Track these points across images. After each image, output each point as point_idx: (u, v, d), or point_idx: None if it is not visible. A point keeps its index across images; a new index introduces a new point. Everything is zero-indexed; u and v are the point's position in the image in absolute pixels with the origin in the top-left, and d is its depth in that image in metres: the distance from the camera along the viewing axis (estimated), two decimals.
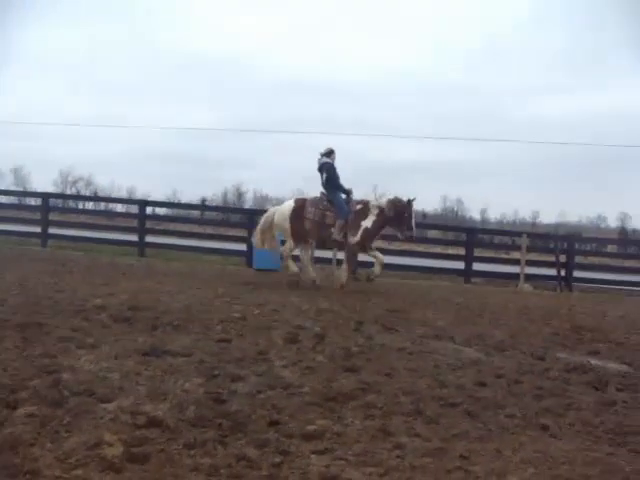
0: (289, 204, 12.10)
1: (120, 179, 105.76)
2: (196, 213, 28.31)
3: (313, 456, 3.54)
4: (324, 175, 11.97)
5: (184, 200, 61.57)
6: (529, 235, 19.35)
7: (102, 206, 45.28)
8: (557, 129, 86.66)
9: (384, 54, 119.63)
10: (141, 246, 17.69)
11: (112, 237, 19.19)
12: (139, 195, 61.19)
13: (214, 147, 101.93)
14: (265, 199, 74.97)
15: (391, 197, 12.16)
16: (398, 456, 3.64)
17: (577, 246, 19.19)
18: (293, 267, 12.17)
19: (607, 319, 10.50)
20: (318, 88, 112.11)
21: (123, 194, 68.82)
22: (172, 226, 23.74)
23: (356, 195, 12.17)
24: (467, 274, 17.09)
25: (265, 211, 13.09)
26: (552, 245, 18.45)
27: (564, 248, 17.54)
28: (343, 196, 12.01)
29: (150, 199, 28.78)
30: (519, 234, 19.17)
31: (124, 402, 4.14)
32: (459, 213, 77.34)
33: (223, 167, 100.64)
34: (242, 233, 17.73)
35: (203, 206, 41.23)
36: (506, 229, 54.84)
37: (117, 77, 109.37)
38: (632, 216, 73.28)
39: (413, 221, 12.01)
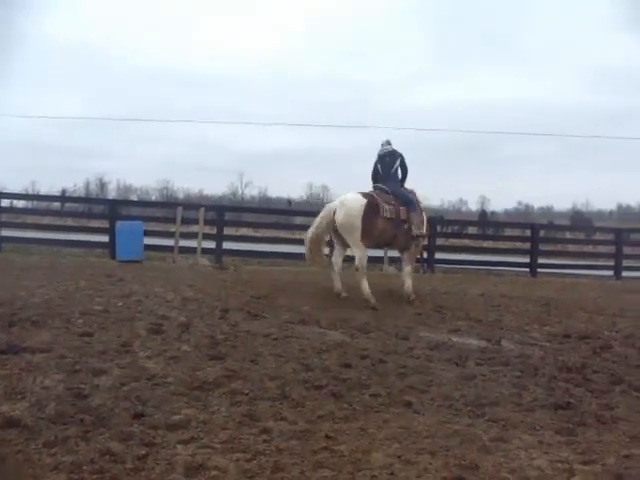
0: (357, 199, 9.67)
1: None
2: (57, 205, 27.16)
3: (179, 446, 3.55)
4: (396, 164, 10.61)
5: (43, 191, 58.93)
6: None
7: None
8: (423, 116, 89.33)
9: (255, 44, 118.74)
10: None
11: None
12: None
13: (75, 137, 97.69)
14: (129, 189, 73.22)
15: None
16: (265, 440, 3.70)
17: (439, 229, 19.84)
18: (339, 283, 9.95)
19: (467, 298, 10.97)
20: (187, 77, 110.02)
21: None
22: (31, 219, 22.69)
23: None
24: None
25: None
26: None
27: None
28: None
29: (5, 191, 27.33)
30: None
31: None
32: (325, 200, 78.33)
33: (84, 157, 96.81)
34: (104, 224, 17.21)
35: (63, 197, 39.65)
36: None
37: None
38: (490, 199, 76.77)
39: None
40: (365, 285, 9.50)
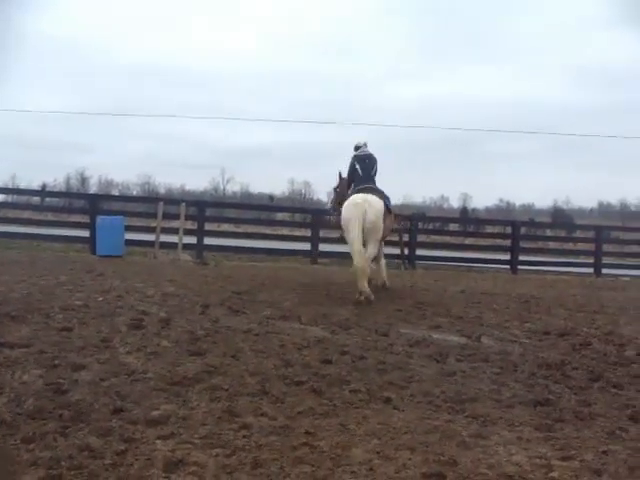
0: (379, 200, 10.18)
1: None
2: (37, 199, 26.95)
3: (158, 441, 3.52)
4: (375, 167, 11.02)
5: (23, 186, 58.38)
6: None
7: None
8: (405, 113, 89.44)
9: (238, 41, 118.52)
10: None
11: None
12: None
13: (56, 131, 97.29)
14: (110, 184, 72.81)
15: None
16: (244, 436, 3.68)
17: (421, 225, 19.89)
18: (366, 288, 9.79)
19: (447, 295, 11.03)
20: (170, 73, 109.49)
21: None
22: (10, 213, 22.51)
23: None
24: (313, 255, 17.34)
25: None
26: (396, 225, 18.94)
27: (407, 227, 18.09)
28: None
29: None
30: None
31: None
32: (306, 195, 78.22)
33: (65, 152, 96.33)
34: (85, 219, 17.12)
35: (44, 192, 39.35)
36: None
37: None
38: (472, 196, 77.12)
39: None
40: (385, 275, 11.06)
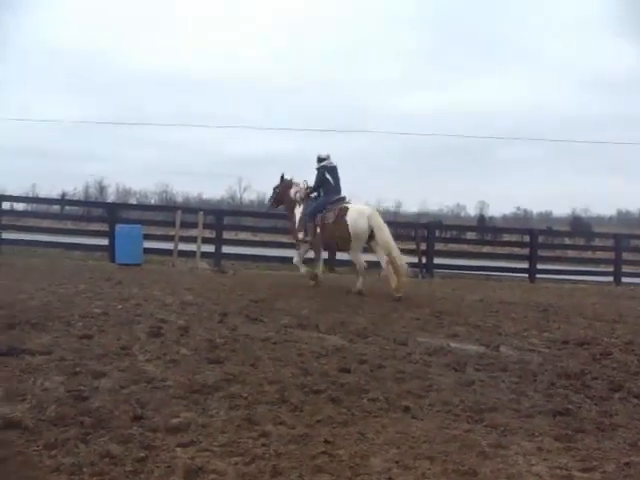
0: (364, 207, 11.79)
1: None
2: (56, 208, 27.13)
3: (178, 449, 3.54)
4: (339, 177, 12.03)
5: (43, 194, 58.80)
6: (391, 224, 19.73)
7: None
8: (421, 121, 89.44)
9: (242, 49, 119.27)
10: None
11: None
12: None
13: (74, 140, 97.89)
14: (128, 192, 73.19)
15: None
16: (263, 444, 3.68)
17: (437, 234, 19.82)
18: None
19: (465, 303, 10.96)
20: (175, 81, 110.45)
21: None
22: (31, 222, 22.66)
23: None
24: (330, 263, 17.28)
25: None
26: (413, 233, 18.87)
27: (425, 236, 18.04)
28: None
29: (6, 194, 27.21)
30: None
31: None
32: None
33: (84, 160, 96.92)
34: (104, 227, 17.22)
35: (63, 200, 39.64)
36: None
37: None
38: (489, 204, 76.83)
39: None
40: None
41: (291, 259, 13.23)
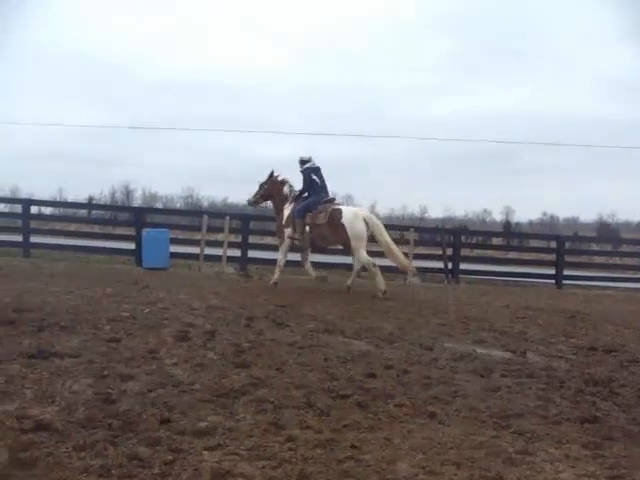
0: (357, 209, 12.34)
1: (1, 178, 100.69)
2: (83, 212, 27.45)
3: (205, 452, 3.57)
4: (324, 178, 12.31)
5: (70, 199, 59.45)
6: (417, 229, 19.75)
7: None
8: (446, 127, 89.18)
9: (280, 57, 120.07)
10: (26, 247, 16.88)
11: None
12: (23, 194, 58.57)
13: (101, 145, 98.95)
14: (154, 197, 73.79)
15: None
16: (290, 448, 3.71)
17: (463, 239, 19.72)
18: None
19: (491, 309, 10.89)
20: (212, 88, 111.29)
21: (6, 193, 65.66)
22: (59, 226, 22.90)
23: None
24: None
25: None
26: (439, 239, 18.78)
27: (451, 241, 17.95)
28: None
29: (34, 198, 27.55)
30: (407, 228, 19.15)
31: (9, 407, 4.05)
32: None
33: (110, 165, 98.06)
34: (130, 232, 17.34)
35: (90, 205, 40.10)
36: (394, 223, 55.87)
37: None
38: (515, 210, 76.32)
39: None
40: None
41: (315, 263, 13.42)
